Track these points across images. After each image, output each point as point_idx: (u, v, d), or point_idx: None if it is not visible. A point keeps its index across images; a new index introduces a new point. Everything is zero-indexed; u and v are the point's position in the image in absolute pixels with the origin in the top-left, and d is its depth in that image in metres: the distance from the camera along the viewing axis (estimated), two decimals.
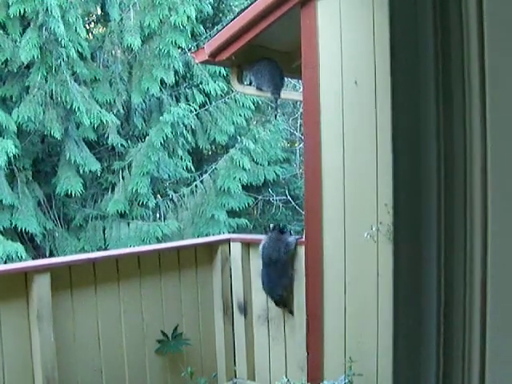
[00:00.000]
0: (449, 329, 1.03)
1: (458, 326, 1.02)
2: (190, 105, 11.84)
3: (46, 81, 10.44)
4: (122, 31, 11.60)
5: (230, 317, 5.40)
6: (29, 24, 10.46)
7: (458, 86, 1.00)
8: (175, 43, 11.46)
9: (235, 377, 5.42)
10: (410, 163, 1.05)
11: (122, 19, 11.67)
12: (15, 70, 10.57)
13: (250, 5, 4.55)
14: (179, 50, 11.80)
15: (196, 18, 11.89)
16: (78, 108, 10.51)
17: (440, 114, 1.01)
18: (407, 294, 1.07)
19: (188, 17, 11.38)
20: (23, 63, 10.39)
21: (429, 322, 1.04)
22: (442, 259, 1.02)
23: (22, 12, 10.16)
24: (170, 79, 11.61)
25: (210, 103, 12.37)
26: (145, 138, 11.65)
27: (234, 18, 4.73)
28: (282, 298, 4.86)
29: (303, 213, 4.48)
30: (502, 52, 0.96)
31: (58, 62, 10.36)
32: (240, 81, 5.18)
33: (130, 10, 11.67)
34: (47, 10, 9.97)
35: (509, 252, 0.97)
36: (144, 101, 11.88)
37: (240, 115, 12.24)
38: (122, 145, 11.49)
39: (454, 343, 1.03)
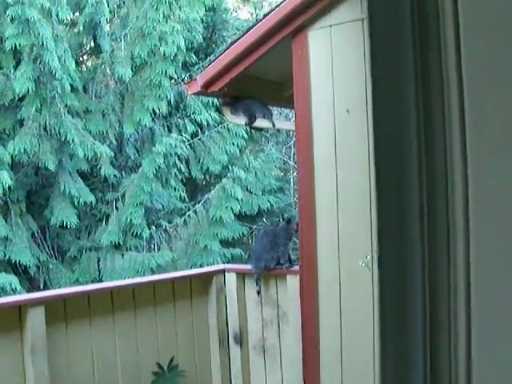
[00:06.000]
0: (435, 353, 1.03)
1: (443, 353, 1.02)
2: (182, 135, 11.88)
3: (40, 113, 10.48)
4: (113, 62, 11.70)
5: (225, 347, 5.35)
6: (22, 57, 10.53)
7: (438, 107, 1.01)
8: (166, 73, 11.54)
9: None
10: (394, 195, 1.05)
11: (113, 50, 11.77)
12: (7, 104, 10.62)
13: (243, 35, 4.59)
14: (172, 81, 11.88)
15: (188, 48, 11.99)
16: (73, 140, 10.55)
17: (422, 146, 1.01)
18: (393, 321, 1.07)
19: (178, 47, 11.48)
20: (14, 97, 10.44)
21: (415, 348, 1.04)
22: (427, 282, 1.02)
23: (17, 46, 10.25)
24: (163, 109, 11.67)
25: (203, 133, 12.42)
26: (138, 169, 11.68)
27: (227, 49, 4.77)
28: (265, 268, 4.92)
29: (298, 242, 4.47)
30: (479, 64, 0.97)
31: (53, 94, 10.43)
32: (232, 111, 5.21)
33: (121, 40, 11.77)
34: (43, 43, 10.05)
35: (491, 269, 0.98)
36: (136, 131, 11.93)
37: (233, 144, 12.29)
38: (115, 176, 11.50)
39: (440, 364, 1.03)
